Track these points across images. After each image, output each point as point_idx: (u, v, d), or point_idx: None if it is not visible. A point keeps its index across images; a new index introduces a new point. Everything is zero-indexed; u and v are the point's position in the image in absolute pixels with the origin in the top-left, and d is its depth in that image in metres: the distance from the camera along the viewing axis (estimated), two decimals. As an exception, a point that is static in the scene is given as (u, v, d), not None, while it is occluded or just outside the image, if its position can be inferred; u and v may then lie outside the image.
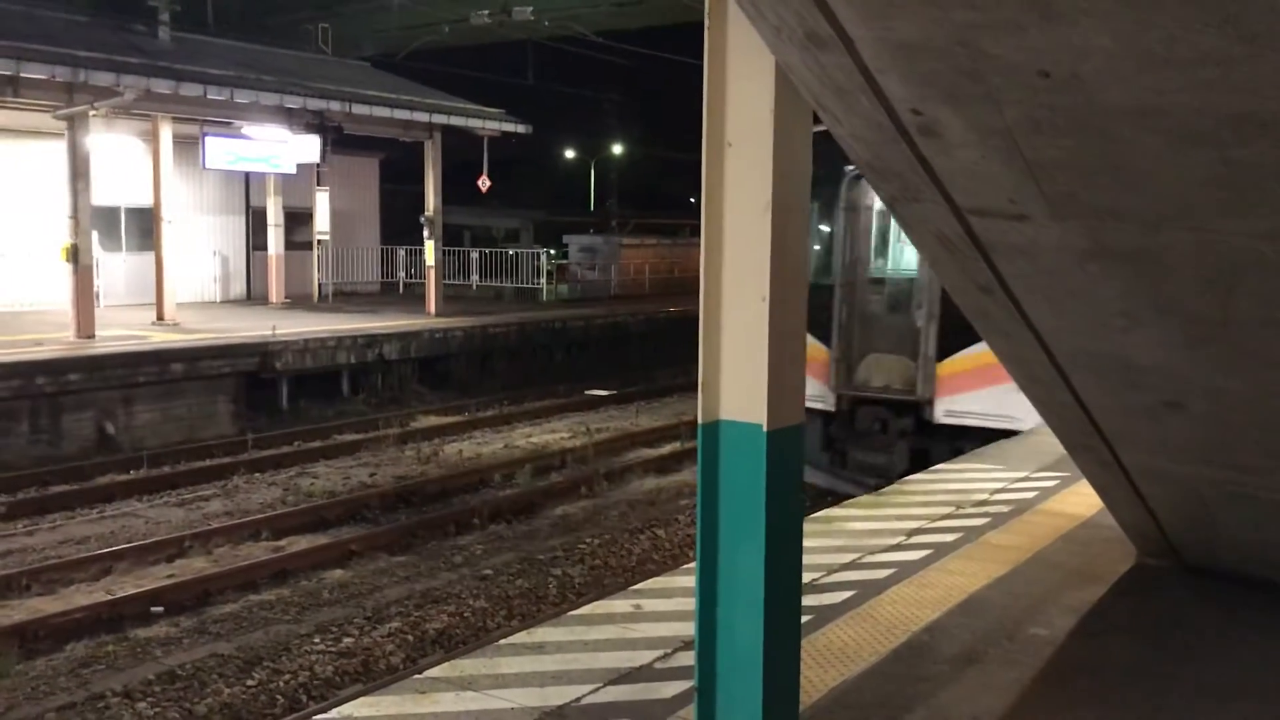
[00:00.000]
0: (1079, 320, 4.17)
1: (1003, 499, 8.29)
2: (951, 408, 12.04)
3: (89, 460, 14.84)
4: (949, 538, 7.25)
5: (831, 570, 6.53)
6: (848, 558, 6.79)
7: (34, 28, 18.99)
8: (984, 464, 9.58)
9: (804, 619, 4.55)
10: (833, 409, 12.61)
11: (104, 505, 13.04)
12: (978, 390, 11.80)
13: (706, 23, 3.79)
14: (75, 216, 18.20)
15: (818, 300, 10.93)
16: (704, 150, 3.85)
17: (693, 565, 4.26)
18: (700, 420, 3.97)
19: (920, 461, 11.55)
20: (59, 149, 18.93)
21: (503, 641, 5.63)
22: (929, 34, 2.67)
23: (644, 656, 5.18)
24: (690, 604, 4.20)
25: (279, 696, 8.10)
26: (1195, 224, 3.17)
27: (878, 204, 12.41)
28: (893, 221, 12.95)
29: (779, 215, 3.80)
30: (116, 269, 23.88)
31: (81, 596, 10.02)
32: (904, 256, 12.86)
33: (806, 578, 4.78)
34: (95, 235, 19.69)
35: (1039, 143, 2.97)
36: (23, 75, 17.06)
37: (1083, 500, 7.87)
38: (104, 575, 10.57)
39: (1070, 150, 2.98)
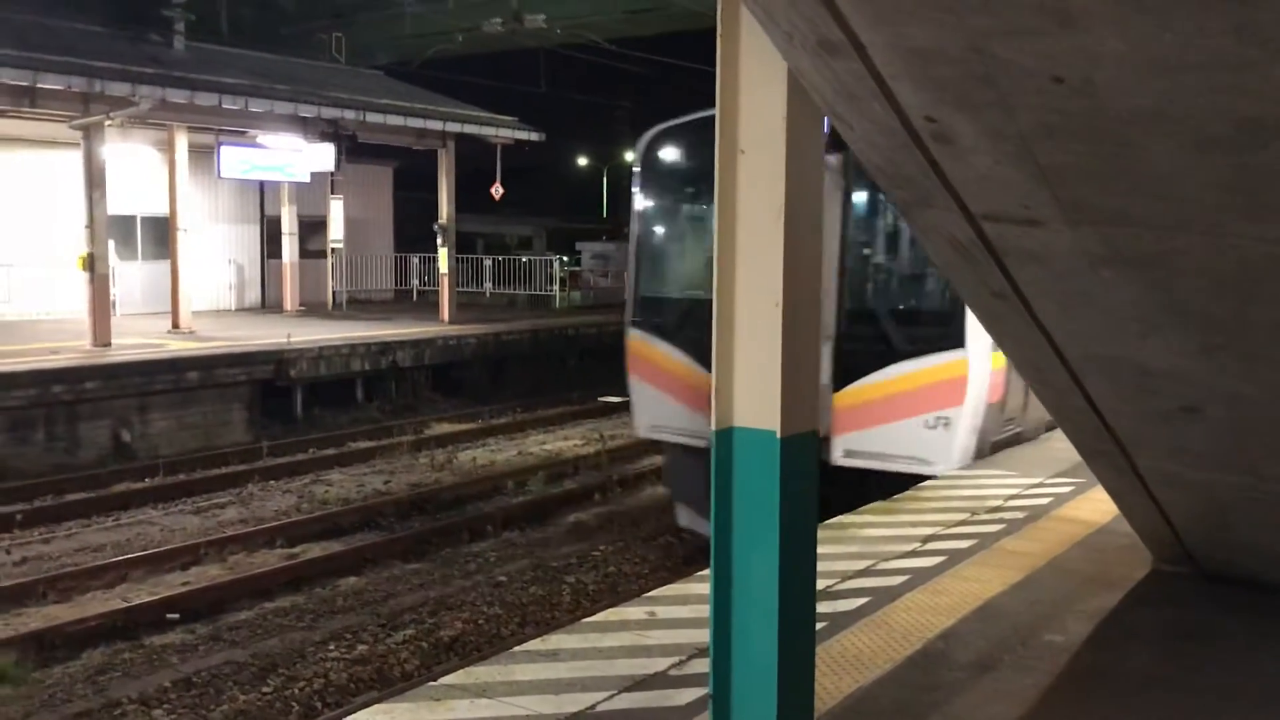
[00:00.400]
0: (1092, 325, 4.16)
1: (1017, 505, 8.26)
2: (852, 446, 10.12)
3: (105, 468, 14.92)
4: (964, 544, 7.22)
5: (846, 577, 6.51)
6: (862, 564, 6.78)
7: (50, 39, 19.10)
8: (998, 470, 9.55)
9: (818, 626, 4.55)
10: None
11: (119, 513, 13.10)
12: (885, 425, 9.98)
13: (719, 30, 3.80)
14: (91, 225, 18.30)
15: (698, 316, 9.24)
16: (717, 156, 3.85)
17: (707, 572, 4.26)
18: (713, 427, 3.97)
19: (819, 510, 9.99)
20: (75, 158, 19.05)
21: (517, 649, 5.62)
22: (942, 40, 2.68)
23: (659, 664, 5.18)
24: (705, 611, 4.19)
25: (294, 704, 8.12)
26: (1208, 229, 3.17)
27: None
28: None
29: (792, 221, 3.80)
30: (132, 277, 24.01)
31: (97, 604, 10.06)
32: None
33: (820, 585, 4.77)
34: (111, 244, 19.78)
35: (1052, 148, 2.97)
36: (39, 86, 17.17)
37: (1098, 506, 7.84)
38: (120, 583, 10.62)
39: (1083, 155, 2.97)
